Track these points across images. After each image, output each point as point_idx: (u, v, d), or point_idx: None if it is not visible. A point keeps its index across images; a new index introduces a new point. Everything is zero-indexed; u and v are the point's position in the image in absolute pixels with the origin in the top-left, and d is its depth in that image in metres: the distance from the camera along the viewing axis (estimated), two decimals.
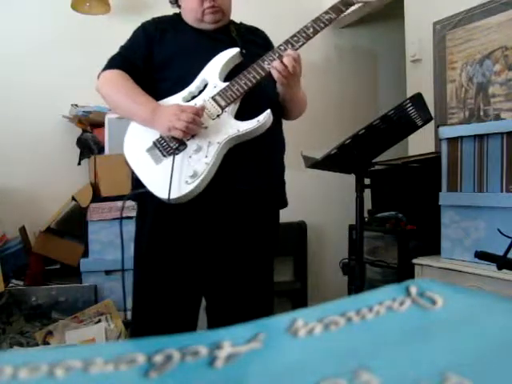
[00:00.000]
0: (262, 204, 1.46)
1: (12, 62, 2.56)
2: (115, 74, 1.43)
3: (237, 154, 1.34)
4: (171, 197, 1.27)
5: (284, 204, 1.57)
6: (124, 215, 1.55)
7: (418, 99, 1.55)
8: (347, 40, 3.35)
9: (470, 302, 0.37)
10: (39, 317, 2.13)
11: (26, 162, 2.55)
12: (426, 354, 0.29)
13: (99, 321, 2.11)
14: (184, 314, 1.43)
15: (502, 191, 1.76)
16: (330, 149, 1.54)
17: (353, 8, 3.00)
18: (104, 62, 1.50)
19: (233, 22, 1.56)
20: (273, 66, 1.34)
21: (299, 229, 3.16)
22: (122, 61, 1.46)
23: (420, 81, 2.62)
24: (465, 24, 2.37)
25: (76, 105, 2.55)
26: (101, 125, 2.42)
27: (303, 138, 3.05)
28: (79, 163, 2.55)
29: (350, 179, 1.69)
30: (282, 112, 1.57)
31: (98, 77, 1.47)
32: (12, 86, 2.55)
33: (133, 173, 1.39)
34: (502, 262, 1.17)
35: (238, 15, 1.59)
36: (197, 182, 1.28)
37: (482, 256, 1.24)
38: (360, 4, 1.47)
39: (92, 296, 2.20)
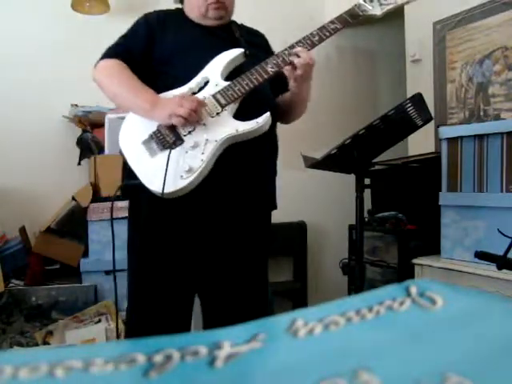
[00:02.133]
0: (254, 204, 1.46)
1: (12, 61, 2.56)
2: (113, 63, 1.41)
3: (233, 154, 1.34)
4: (165, 191, 1.26)
5: (274, 206, 1.56)
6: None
7: (418, 99, 1.55)
8: (347, 40, 3.35)
9: (470, 301, 0.37)
10: (39, 317, 2.13)
11: (26, 161, 2.55)
12: (426, 353, 0.29)
13: (99, 321, 2.11)
14: (178, 311, 1.42)
15: (502, 191, 1.76)
16: (330, 149, 1.55)
17: None
18: None
19: (234, 22, 1.56)
20: (293, 59, 1.36)
21: (299, 229, 3.16)
22: (120, 50, 1.44)
23: (420, 81, 2.62)
24: (465, 24, 2.37)
25: (76, 105, 2.55)
26: (101, 125, 2.42)
27: (303, 138, 3.06)
28: (79, 163, 2.55)
29: (350, 179, 1.69)
30: (281, 115, 1.56)
31: (96, 66, 1.44)
32: (12, 85, 2.55)
33: (126, 164, 1.37)
34: (502, 262, 1.17)
35: (239, 16, 1.59)
36: (192, 177, 1.27)
37: (482, 256, 1.24)
38: (367, 16, 1.48)
39: (92, 296, 2.20)
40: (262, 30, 1.65)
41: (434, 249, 2.02)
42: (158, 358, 0.28)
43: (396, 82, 3.08)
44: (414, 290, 0.37)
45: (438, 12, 2.49)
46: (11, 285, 2.20)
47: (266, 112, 1.34)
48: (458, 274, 1.83)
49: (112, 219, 1.41)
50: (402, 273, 2.11)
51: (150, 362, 0.28)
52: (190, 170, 1.27)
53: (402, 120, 1.59)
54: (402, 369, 0.28)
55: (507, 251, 1.18)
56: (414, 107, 1.54)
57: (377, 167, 2.20)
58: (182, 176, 1.27)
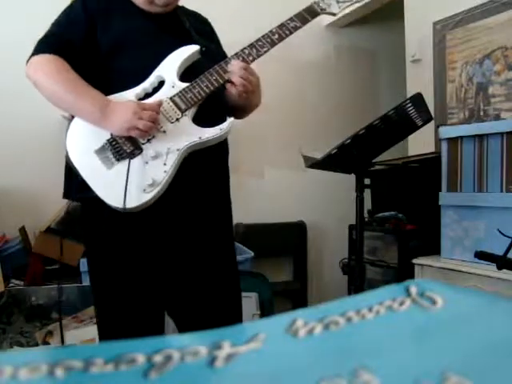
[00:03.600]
0: (213, 210, 1.36)
1: (12, 61, 2.56)
2: (49, 59, 1.23)
3: (190, 160, 1.24)
4: (127, 206, 1.15)
5: (230, 210, 1.44)
6: None
7: (417, 99, 1.55)
8: (347, 40, 3.35)
9: (470, 301, 0.37)
10: (39, 317, 2.13)
11: (26, 162, 2.55)
12: (426, 353, 0.29)
13: None
14: (148, 328, 1.29)
15: (502, 191, 1.76)
16: (330, 149, 1.54)
17: (352, 8, 3.02)
18: None
19: (181, 8, 1.42)
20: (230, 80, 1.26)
21: (299, 229, 3.16)
22: (56, 43, 1.26)
23: (420, 81, 2.62)
24: (465, 24, 2.37)
25: None
26: None
27: (303, 138, 3.06)
28: None
29: (350, 179, 1.69)
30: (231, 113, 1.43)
31: (28, 62, 1.25)
32: (12, 85, 2.55)
33: (73, 174, 1.22)
34: (502, 262, 1.17)
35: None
36: (155, 191, 1.17)
37: (481, 256, 1.24)
38: (325, 14, 1.43)
39: (92, 296, 2.20)
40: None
41: (434, 249, 2.02)
42: (158, 358, 0.28)
43: (396, 81, 3.08)
44: (413, 289, 0.37)
45: (438, 12, 2.49)
46: (11, 285, 2.20)
47: (226, 116, 1.25)
48: (458, 274, 1.83)
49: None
50: (402, 273, 2.10)
51: (150, 362, 0.28)
52: (153, 184, 1.17)
53: (402, 120, 1.58)
54: (401, 369, 0.28)
55: (507, 251, 1.18)
56: (414, 107, 1.53)
57: (377, 167, 2.20)
58: (144, 190, 1.17)
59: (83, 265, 2.24)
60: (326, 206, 3.20)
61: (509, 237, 1.24)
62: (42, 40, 1.28)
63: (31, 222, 2.46)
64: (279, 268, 3.15)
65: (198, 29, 1.40)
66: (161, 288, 1.32)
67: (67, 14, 1.31)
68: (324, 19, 3.22)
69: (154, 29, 1.33)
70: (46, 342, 2.04)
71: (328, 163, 1.66)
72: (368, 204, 2.37)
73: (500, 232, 1.33)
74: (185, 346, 0.29)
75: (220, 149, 1.33)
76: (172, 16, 1.38)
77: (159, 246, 1.28)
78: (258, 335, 0.31)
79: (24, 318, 2.11)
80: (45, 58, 1.23)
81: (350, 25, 3.31)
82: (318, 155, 1.61)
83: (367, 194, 2.20)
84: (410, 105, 1.53)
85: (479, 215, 1.82)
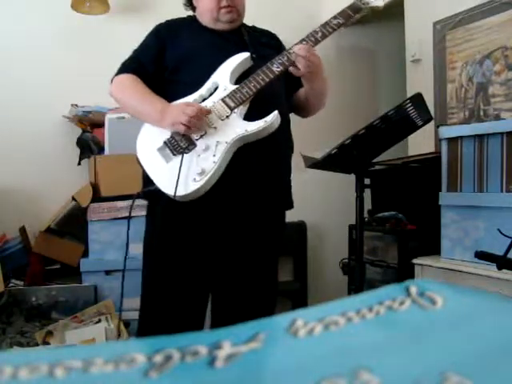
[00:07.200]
0: (268, 204, 1.49)
1: (12, 62, 2.56)
2: (126, 77, 1.48)
3: (245, 154, 1.37)
4: (177, 194, 1.30)
5: (289, 205, 1.60)
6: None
7: (417, 99, 1.55)
8: (347, 40, 3.35)
9: (470, 301, 0.37)
10: (39, 317, 2.13)
11: (26, 162, 2.55)
12: (426, 353, 0.29)
13: (99, 321, 2.11)
14: (191, 312, 1.45)
15: (502, 191, 1.76)
16: (330, 149, 1.55)
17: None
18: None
19: (245, 25, 1.58)
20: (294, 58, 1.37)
21: (299, 229, 3.16)
22: (133, 64, 1.50)
23: (420, 81, 2.62)
24: (465, 24, 2.37)
25: (76, 105, 2.55)
26: (101, 125, 2.42)
27: (303, 138, 3.05)
28: (79, 163, 2.55)
29: (350, 179, 1.68)
30: (299, 110, 1.61)
31: (111, 82, 1.51)
32: (12, 85, 2.55)
33: (144, 171, 1.42)
34: (502, 262, 1.17)
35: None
36: (204, 179, 1.31)
37: (482, 256, 1.24)
38: (367, 10, 1.48)
39: (92, 296, 2.20)
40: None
41: (434, 249, 2.02)
42: (158, 358, 0.28)
43: (396, 82, 3.08)
44: (413, 290, 0.37)
45: (438, 12, 2.49)
46: (11, 285, 2.20)
47: (274, 111, 1.36)
48: (458, 274, 1.83)
49: (129, 217, 1.44)
50: (402, 273, 2.10)
51: (150, 361, 0.28)
52: (202, 173, 1.31)
53: (402, 120, 1.58)
54: (401, 369, 0.28)
55: (507, 251, 1.18)
56: (413, 107, 1.53)
57: (377, 167, 2.20)
58: (194, 179, 1.31)
59: (83, 265, 2.24)
60: (326, 206, 3.19)
61: (509, 237, 1.24)
62: (123, 63, 1.53)
63: (31, 222, 2.46)
64: (279, 268, 3.15)
65: (259, 41, 1.53)
66: (207, 272, 1.47)
67: (144, 41, 1.55)
68: (323, 20, 3.21)
69: (214, 42, 1.50)
70: (46, 342, 2.04)
71: (328, 163, 1.66)
72: (368, 204, 2.37)
73: (500, 232, 1.33)
74: (185, 346, 0.29)
75: (282, 145, 1.49)
76: (235, 31, 1.53)
77: (209, 235, 1.43)
78: (258, 335, 0.31)
79: (24, 318, 2.11)
80: (122, 77, 1.49)
81: (350, 25, 3.31)
82: (318, 155, 1.61)
83: (367, 194, 2.20)
84: (410, 105, 1.53)
85: (479, 215, 1.82)
